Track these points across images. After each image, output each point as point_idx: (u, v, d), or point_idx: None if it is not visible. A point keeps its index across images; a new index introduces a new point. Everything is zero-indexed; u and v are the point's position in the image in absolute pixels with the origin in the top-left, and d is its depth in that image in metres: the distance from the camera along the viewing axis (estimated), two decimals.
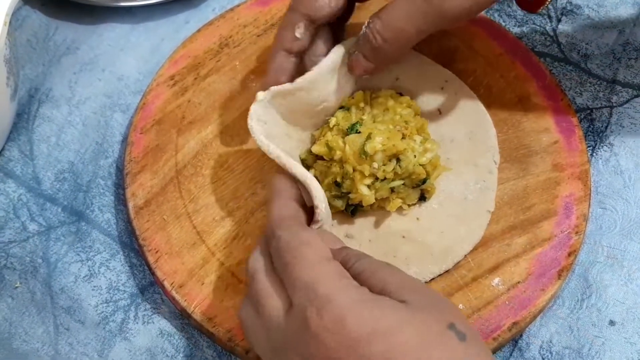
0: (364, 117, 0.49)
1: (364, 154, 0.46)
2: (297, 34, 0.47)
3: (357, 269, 0.39)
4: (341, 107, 0.50)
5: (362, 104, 0.50)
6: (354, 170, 0.46)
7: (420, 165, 0.47)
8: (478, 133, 0.52)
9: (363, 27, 0.47)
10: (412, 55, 0.54)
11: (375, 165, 0.46)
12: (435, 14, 0.44)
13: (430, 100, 0.53)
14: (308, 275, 0.37)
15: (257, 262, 0.40)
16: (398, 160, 0.47)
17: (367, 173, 0.46)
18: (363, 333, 0.34)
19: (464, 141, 0.52)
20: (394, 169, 0.46)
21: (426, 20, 0.44)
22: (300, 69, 0.48)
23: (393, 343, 0.34)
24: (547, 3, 0.49)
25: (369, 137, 0.46)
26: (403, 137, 0.47)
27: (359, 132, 0.47)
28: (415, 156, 0.47)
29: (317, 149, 0.48)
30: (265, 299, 0.38)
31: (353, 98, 0.50)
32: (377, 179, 0.47)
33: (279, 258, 0.39)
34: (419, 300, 0.36)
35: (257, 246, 0.42)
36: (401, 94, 0.52)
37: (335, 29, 0.50)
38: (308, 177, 0.43)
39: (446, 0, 0.44)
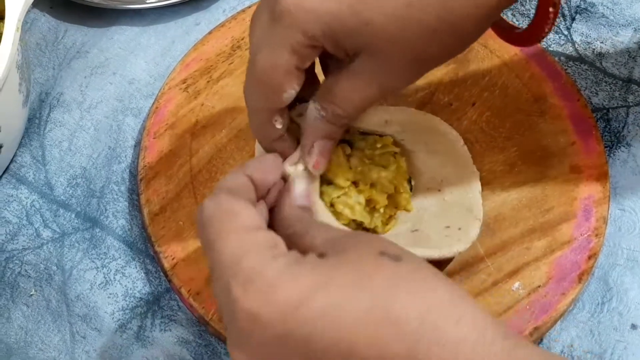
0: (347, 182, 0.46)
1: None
2: (278, 126, 0.43)
3: (291, 228, 0.37)
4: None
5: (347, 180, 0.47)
6: None
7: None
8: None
9: (311, 111, 0.42)
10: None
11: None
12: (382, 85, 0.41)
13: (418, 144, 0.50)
14: (232, 249, 0.33)
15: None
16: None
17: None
18: (294, 297, 0.32)
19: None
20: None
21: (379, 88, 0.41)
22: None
23: (331, 293, 0.32)
24: (546, 34, 0.43)
25: (340, 213, 0.45)
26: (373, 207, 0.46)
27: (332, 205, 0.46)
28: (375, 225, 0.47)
29: None
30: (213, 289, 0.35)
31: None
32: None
33: (201, 233, 0.35)
34: (346, 243, 0.35)
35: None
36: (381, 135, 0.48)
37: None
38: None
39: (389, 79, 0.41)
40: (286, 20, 0.38)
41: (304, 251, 0.35)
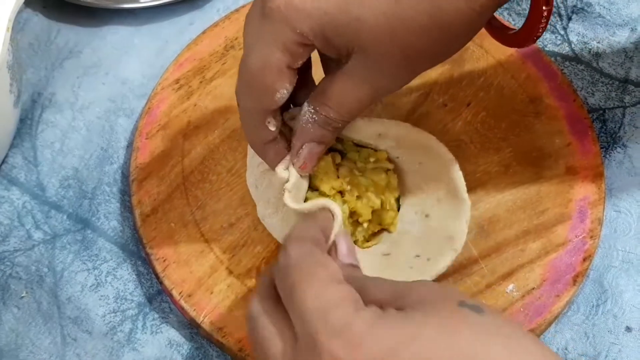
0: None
1: None
2: (271, 128, 0.42)
3: (360, 279, 0.36)
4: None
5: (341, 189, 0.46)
6: None
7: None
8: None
9: (304, 113, 0.42)
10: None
11: None
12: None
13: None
14: (319, 300, 0.33)
15: (257, 305, 0.36)
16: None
17: None
18: (383, 351, 0.32)
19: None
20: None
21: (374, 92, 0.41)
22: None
23: (419, 346, 0.31)
24: (540, 34, 0.42)
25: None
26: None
27: None
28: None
29: None
30: (269, 342, 0.34)
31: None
32: None
33: (285, 277, 0.35)
34: (418, 294, 0.34)
35: (255, 292, 0.37)
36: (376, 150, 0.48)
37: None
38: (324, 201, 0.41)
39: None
40: (276, 18, 0.38)
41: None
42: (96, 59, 0.59)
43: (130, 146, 0.55)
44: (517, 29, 0.44)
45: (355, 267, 0.39)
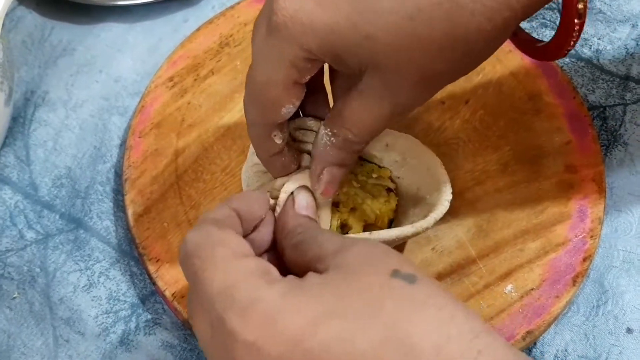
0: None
1: None
2: (277, 141, 0.40)
3: (299, 237, 0.35)
4: None
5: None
6: None
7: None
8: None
9: (321, 137, 0.40)
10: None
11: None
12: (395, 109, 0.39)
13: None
14: (223, 280, 0.31)
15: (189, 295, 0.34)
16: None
17: None
18: (298, 329, 0.29)
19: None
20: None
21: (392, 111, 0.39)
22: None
23: (337, 323, 0.30)
24: (571, 47, 0.39)
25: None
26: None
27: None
28: None
29: None
30: (197, 334, 0.33)
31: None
32: None
33: (186, 268, 0.33)
34: (355, 257, 0.32)
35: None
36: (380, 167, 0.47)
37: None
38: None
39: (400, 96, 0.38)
40: (282, 34, 0.36)
41: (309, 262, 0.33)
42: (90, 57, 0.58)
43: (123, 145, 0.54)
44: (544, 41, 0.41)
45: (312, 219, 0.38)
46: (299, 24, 0.35)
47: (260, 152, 0.42)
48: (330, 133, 0.39)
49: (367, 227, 0.45)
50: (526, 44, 0.42)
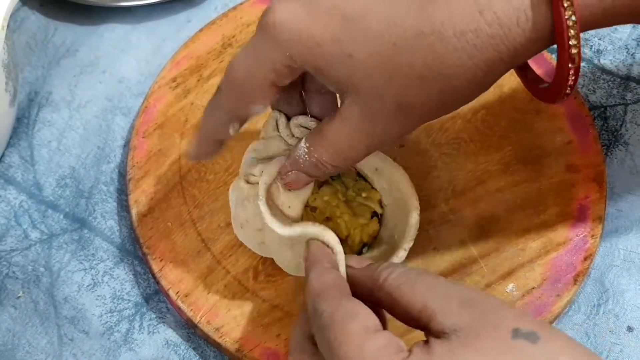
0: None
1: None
2: (231, 132, 0.41)
3: (393, 283, 0.35)
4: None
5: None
6: None
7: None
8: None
9: (300, 147, 0.40)
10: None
11: None
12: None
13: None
14: (359, 356, 0.32)
15: (299, 350, 0.36)
16: None
17: None
18: None
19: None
20: None
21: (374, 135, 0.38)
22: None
23: None
24: (568, 93, 0.37)
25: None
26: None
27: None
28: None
29: None
30: None
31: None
32: None
33: (322, 338, 0.34)
34: (470, 319, 0.32)
35: (295, 327, 0.37)
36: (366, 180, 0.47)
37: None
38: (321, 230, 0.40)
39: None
40: (270, 36, 0.37)
41: (415, 314, 0.33)
42: (93, 58, 0.59)
43: (127, 145, 0.55)
44: (547, 83, 0.39)
45: (371, 263, 0.38)
46: (287, 30, 0.36)
47: (206, 130, 0.42)
48: (306, 149, 0.40)
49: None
50: (533, 83, 0.41)
